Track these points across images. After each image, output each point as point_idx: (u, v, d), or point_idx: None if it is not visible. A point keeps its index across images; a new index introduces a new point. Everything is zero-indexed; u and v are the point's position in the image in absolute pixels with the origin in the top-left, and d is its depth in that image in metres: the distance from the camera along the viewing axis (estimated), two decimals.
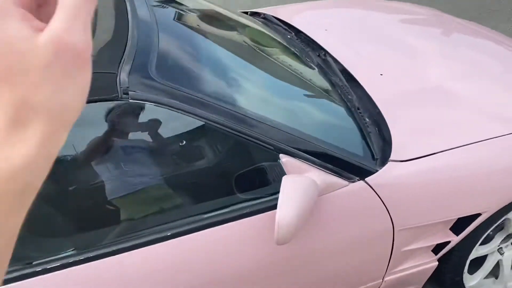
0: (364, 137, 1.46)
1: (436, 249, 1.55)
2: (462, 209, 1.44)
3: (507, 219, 1.60)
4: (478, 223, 1.48)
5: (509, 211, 1.54)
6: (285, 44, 1.98)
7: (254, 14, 2.49)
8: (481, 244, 1.66)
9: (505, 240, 1.76)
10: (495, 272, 1.83)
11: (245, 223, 1.20)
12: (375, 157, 1.40)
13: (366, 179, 1.33)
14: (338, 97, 1.62)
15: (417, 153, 1.40)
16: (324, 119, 1.49)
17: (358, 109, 1.55)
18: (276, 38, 2.01)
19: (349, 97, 1.61)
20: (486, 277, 1.81)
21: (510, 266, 1.80)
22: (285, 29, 2.18)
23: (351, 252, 1.41)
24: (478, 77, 1.83)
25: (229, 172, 1.24)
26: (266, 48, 1.84)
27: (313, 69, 1.79)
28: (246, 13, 2.49)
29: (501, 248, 1.77)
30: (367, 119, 1.54)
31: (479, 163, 1.42)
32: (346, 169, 1.31)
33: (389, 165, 1.37)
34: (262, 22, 2.30)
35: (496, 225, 1.57)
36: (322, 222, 1.31)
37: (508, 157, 1.45)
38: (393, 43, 2.11)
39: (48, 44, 0.27)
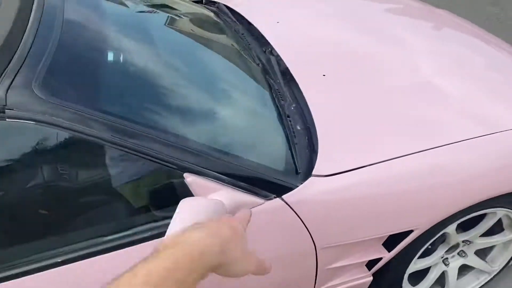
0: (290, 149, 1.36)
1: (371, 264, 1.47)
2: (392, 226, 1.36)
3: (447, 233, 1.51)
4: (411, 239, 1.40)
5: (447, 225, 1.46)
6: (228, 39, 1.87)
7: (209, 3, 2.36)
8: (422, 257, 1.58)
9: (450, 251, 1.68)
10: (442, 281, 1.76)
11: (139, 250, 1.12)
12: (298, 171, 1.30)
13: (283, 196, 1.24)
14: (271, 102, 1.51)
15: (343, 167, 1.30)
16: (244, 129, 1.38)
17: (288, 116, 1.45)
18: (219, 32, 1.90)
19: (282, 102, 1.50)
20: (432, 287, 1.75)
21: (456, 277, 1.72)
22: (234, 21, 2.05)
23: (271, 271, 1.33)
24: (442, 78, 1.70)
25: (124, 195, 1.15)
26: (200, 45, 1.73)
27: (252, 69, 1.68)
28: (201, 1, 2.36)
29: (446, 259, 1.69)
30: (298, 127, 1.44)
31: (409, 178, 1.33)
32: (261, 186, 1.21)
33: (310, 180, 1.27)
34: (215, 13, 2.18)
35: (433, 240, 1.48)
36: None
37: (441, 172, 1.35)
38: (352, 38, 1.98)
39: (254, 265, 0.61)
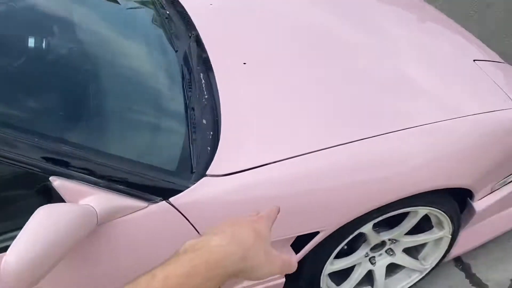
0: (189, 146, 1.26)
1: None
2: (295, 228, 1.27)
3: (363, 233, 1.42)
4: (318, 241, 1.32)
5: (362, 225, 1.37)
6: (151, 22, 1.75)
7: None
8: (342, 256, 1.50)
9: (377, 249, 1.60)
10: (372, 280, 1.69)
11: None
12: (193, 170, 1.21)
13: (170, 199, 1.15)
14: (178, 93, 1.41)
15: (242, 166, 1.21)
16: (132, 124, 1.27)
17: (193, 109, 1.35)
18: (144, 15, 1.78)
19: (190, 93, 1.40)
20: (362, 285, 1.67)
21: (384, 276, 1.65)
22: (164, 3, 1.92)
23: None
24: (380, 66, 1.59)
25: None
26: (112, 28, 1.60)
27: (166, 56, 1.57)
28: None
29: (373, 257, 1.61)
30: (204, 122, 1.33)
31: (312, 177, 1.23)
32: (143, 189, 1.12)
33: (203, 180, 1.18)
34: None
35: (348, 240, 1.40)
36: (116, 250, 1.14)
37: (348, 171, 1.25)
38: (295, 22, 1.82)
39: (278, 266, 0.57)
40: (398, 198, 1.30)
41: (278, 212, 0.67)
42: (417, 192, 1.31)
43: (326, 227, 1.28)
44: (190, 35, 1.72)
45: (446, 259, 1.73)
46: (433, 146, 1.33)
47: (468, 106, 1.44)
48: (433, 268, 1.72)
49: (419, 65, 1.60)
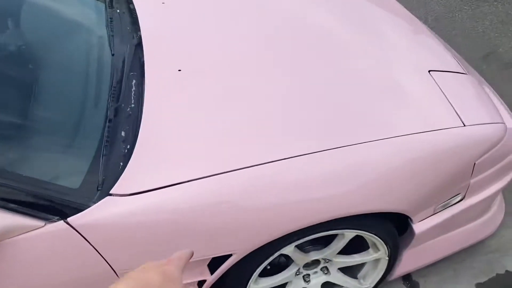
0: (99, 161, 1.22)
1: (202, 283, 1.36)
2: (205, 250, 1.23)
3: (284, 254, 1.37)
4: (232, 263, 1.27)
5: (281, 248, 1.31)
6: (91, 23, 1.69)
7: None
8: (269, 275, 1.46)
9: (312, 267, 1.55)
10: None
11: None
12: (99, 188, 1.17)
13: (69, 218, 1.12)
14: (101, 103, 1.36)
15: (151, 185, 1.16)
16: (32, 137, 1.22)
17: (110, 121, 1.29)
18: (84, 15, 1.72)
19: (111, 102, 1.35)
20: None
21: None
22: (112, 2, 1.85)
23: None
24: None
25: None
26: (48, 27, 1.56)
27: (97, 61, 1.51)
28: None
29: (307, 275, 1.56)
30: (123, 134, 1.28)
31: (222, 199, 1.18)
32: (38, 208, 1.09)
33: (106, 200, 1.14)
34: None
35: (268, 261, 1.35)
36: (10, 271, 1.11)
37: (261, 193, 1.19)
38: (252, 24, 1.73)
39: None
40: (318, 222, 1.24)
41: (192, 255, 0.65)
42: (339, 217, 1.25)
43: (237, 250, 1.24)
44: (133, 36, 1.67)
45: (390, 278, 1.66)
46: (362, 168, 1.26)
47: (406, 123, 1.35)
48: (377, 286, 1.66)
49: (362, 74, 1.50)
